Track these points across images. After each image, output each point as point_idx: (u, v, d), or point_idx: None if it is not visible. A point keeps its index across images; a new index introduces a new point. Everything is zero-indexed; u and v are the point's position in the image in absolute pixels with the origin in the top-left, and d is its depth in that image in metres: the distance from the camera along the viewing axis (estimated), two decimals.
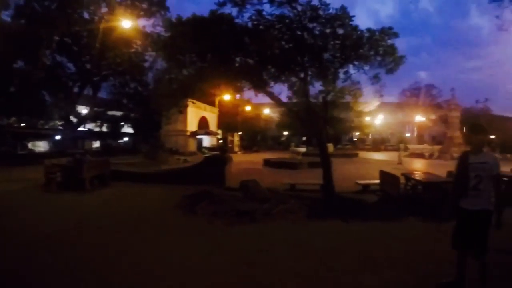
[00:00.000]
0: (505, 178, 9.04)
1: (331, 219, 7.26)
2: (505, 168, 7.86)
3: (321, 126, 10.53)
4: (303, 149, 28.94)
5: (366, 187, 11.43)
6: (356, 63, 10.10)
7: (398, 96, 58.17)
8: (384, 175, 10.51)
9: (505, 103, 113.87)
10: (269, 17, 9.26)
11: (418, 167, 22.05)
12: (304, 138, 51.17)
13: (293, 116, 16.85)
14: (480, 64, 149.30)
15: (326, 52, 9.81)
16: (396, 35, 9.68)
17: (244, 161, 25.34)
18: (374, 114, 37.50)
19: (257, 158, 27.78)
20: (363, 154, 36.51)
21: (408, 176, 10.23)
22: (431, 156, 33.91)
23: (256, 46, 9.28)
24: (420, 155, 34.50)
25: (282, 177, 14.11)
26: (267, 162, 22.86)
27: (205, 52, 9.31)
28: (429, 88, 59.09)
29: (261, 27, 9.34)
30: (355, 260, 4.89)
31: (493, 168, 3.81)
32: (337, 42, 9.63)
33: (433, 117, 55.73)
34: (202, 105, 40.12)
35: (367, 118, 37.59)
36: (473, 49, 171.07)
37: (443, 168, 13.55)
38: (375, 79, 10.44)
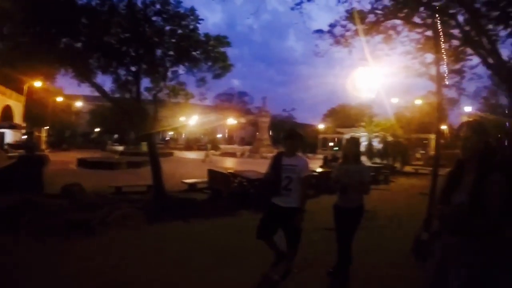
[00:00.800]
0: (315, 173, 11.52)
1: (171, 221, 7.05)
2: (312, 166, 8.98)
3: (152, 124, 10.21)
4: (120, 148, 27.38)
5: (192, 185, 11.54)
6: (186, 64, 10.20)
7: (213, 100, 61.37)
8: (213, 173, 10.89)
9: (306, 113, 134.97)
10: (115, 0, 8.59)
11: (232, 165, 23.52)
12: (116, 136, 48.53)
13: (120, 113, 15.88)
14: (289, 80, 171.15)
15: (162, 49, 9.59)
16: (229, 44, 10.19)
17: (55, 161, 21.87)
18: (189, 115, 38.44)
19: (68, 157, 24.46)
20: (177, 153, 36.95)
21: (234, 174, 10.82)
22: (242, 155, 36.79)
23: (91, 28, 8.37)
24: (232, 155, 37.06)
25: (103, 179, 12.88)
26: (82, 162, 20.25)
27: (33, 23, 7.83)
28: (242, 95, 64.62)
29: (104, 8, 8.51)
30: (212, 257, 4.93)
31: (302, 170, 4.17)
32: (173, 40, 9.51)
33: (243, 121, 61.01)
34: (8, 91, 31.13)
35: (182, 118, 38.22)
36: (285, 66, 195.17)
37: (254, 166, 14.85)
38: (201, 82, 10.74)
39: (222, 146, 45.60)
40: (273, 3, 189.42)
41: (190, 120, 40.78)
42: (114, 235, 6.12)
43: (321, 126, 58.97)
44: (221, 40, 9.99)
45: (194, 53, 9.86)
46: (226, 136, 66.08)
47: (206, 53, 9.99)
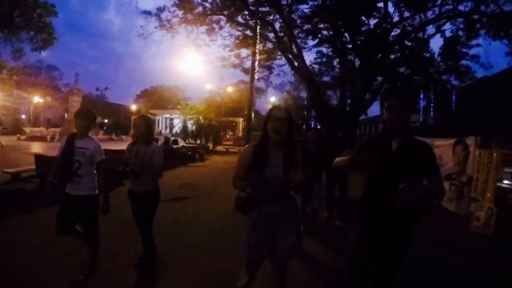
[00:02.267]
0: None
1: (13, 214, 6.61)
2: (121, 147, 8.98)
3: None
4: None
5: (16, 175, 10.45)
6: (6, 31, 9.16)
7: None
8: (41, 159, 10.17)
9: (119, 93, 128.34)
10: None
11: (43, 151, 21.09)
12: None
13: None
14: (103, 56, 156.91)
15: None
16: (56, 14, 9.43)
17: None
18: None
19: None
20: None
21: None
22: (52, 139, 33.59)
23: None
24: (42, 138, 33.45)
25: None
26: None
27: None
28: (50, 69, 57.56)
29: None
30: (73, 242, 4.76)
31: (94, 154, 3.81)
32: None
33: (51, 99, 54.73)
34: None
35: None
36: (99, 41, 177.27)
37: None
38: (18, 53, 9.86)
39: (27, 129, 40.38)
40: None
41: None
42: None
43: (133, 107, 58.24)
44: (49, 9, 9.19)
45: (17, 19, 8.84)
46: (31, 117, 58.14)
47: (30, 21, 9.01)
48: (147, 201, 4.10)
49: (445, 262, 5.17)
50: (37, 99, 50.74)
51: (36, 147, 23.78)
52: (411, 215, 2.31)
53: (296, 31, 18.07)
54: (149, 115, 5.07)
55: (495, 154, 7.03)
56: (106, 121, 52.92)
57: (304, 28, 19.13)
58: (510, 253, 5.73)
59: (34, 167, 10.25)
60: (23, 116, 55.79)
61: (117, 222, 5.54)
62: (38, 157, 10.27)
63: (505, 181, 11.47)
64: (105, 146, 16.13)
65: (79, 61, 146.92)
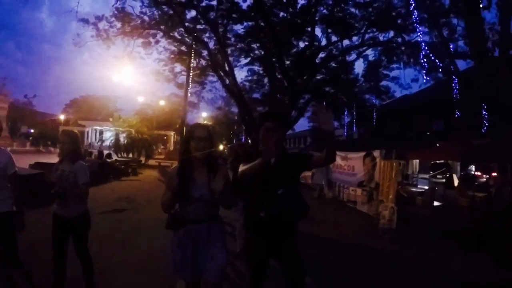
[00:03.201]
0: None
1: None
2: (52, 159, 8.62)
3: None
4: None
5: None
6: None
7: None
8: None
9: (47, 101, 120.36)
10: None
11: None
12: None
13: None
14: (31, 59, 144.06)
15: None
16: None
17: None
18: None
19: None
20: None
21: None
22: None
23: None
24: None
25: None
26: None
27: None
28: None
29: None
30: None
31: (7, 166, 3.44)
32: None
33: None
34: None
35: None
36: (29, 41, 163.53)
37: None
38: None
39: None
40: None
41: None
42: None
43: (62, 117, 55.17)
44: None
45: None
46: None
47: None
48: (76, 228, 3.59)
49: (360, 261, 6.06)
50: None
51: None
52: (292, 216, 2.70)
53: (229, 50, 19.07)
54: (78, 126, 4.75)
55: (394, 164, 8.39)
56: (32, 131, 50.20)
57: (237, 46, 20.18)
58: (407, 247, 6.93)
59: None
60: None
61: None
62: None
63: (424, 187, 13.33)
64: (35, 158, 15.52)
65: (5, 63, 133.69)
